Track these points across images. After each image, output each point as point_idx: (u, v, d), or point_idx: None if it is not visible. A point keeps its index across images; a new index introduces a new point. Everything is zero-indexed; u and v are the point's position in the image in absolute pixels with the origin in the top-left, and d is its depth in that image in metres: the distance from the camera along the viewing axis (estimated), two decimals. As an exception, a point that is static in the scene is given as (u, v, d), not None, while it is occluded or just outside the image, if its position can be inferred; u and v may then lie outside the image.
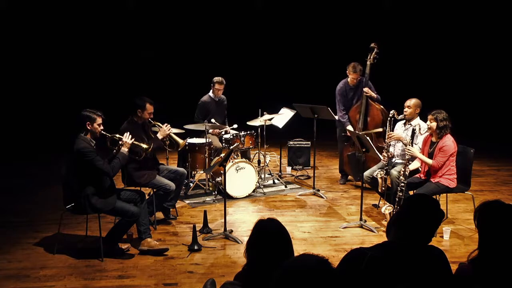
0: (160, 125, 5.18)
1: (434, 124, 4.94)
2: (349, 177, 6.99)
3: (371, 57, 6.37)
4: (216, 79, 6.73)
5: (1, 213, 5.71)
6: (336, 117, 6.50)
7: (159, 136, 5.13)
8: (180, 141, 5.37)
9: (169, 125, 5.21)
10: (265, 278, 2.01)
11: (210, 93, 6.79)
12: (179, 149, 5.59)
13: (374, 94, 6.37)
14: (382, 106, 6.37)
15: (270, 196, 6.38)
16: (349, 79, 6.47)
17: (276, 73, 11.24)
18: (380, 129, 6.26)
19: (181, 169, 5.53)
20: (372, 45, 6.42)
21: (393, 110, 5.40)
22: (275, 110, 7.08)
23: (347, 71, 6.42)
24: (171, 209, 5.50)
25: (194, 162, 6.30)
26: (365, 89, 6.33)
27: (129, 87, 10.06)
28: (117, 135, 4.59)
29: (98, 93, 10.27)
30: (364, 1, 11.13)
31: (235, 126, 6.77)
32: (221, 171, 5.38)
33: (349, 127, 6.46)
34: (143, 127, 5.16)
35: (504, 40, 10.60)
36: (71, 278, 4.12)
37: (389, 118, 5.45)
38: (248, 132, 6.63)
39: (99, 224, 4.47)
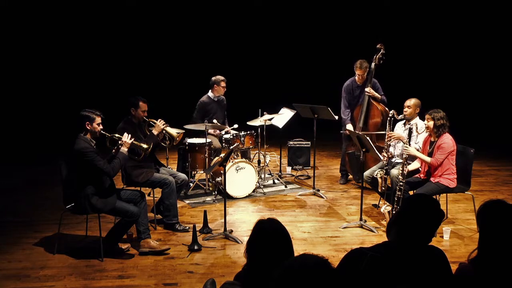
0: (155, 121, 5.16)
1: (431, 123, 4.94)
2: (350, 176, 6.99)
3: (376, 57, 6.35)
4: (219, 78, 6.66)
5: (1, 213, 5.71)
6: (336, 117, 6.49)
7: (154, 132, 5.08)
8: (174, 133, 5.32)
9: (163, 121, 5.18)
10: (265, 278, 2.01)
11: (209, 93, 6.74)
12: (176, 143, 5.51)
13: (377, 95, 6.37)
14: (385, 107, 6.35)
15: (270, 196, 6.37)
16: (356, 77, 6.49)
17: (276, 73, 11.23)
18: (383, 132, 6.24)
19: (183, 174, 5.47)
20: (378, 46, 6.38)
21: (392, 110, 5.40)
22: (275, 110, 7.08)
23: (354, 68, 6.44)
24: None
25: (194, 162, 6.29)
26: (367, 89, 6.33)
27: (128, 87, 10.04)
28: (117, 135, 4.59)
29: (97, 93, 10.27)
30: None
31: (235, 126, 6.76)
32: (221, 171, 5.38)
33: (349, 126, 6.47)
34: (140, 127, 5.15)
35: (504, 41, 10.59)
36: (71, 278, 4.12)
37: (389, 118, 5.44)
38: (248, 132, 6.63)
39: (99, 224, 4.47)
